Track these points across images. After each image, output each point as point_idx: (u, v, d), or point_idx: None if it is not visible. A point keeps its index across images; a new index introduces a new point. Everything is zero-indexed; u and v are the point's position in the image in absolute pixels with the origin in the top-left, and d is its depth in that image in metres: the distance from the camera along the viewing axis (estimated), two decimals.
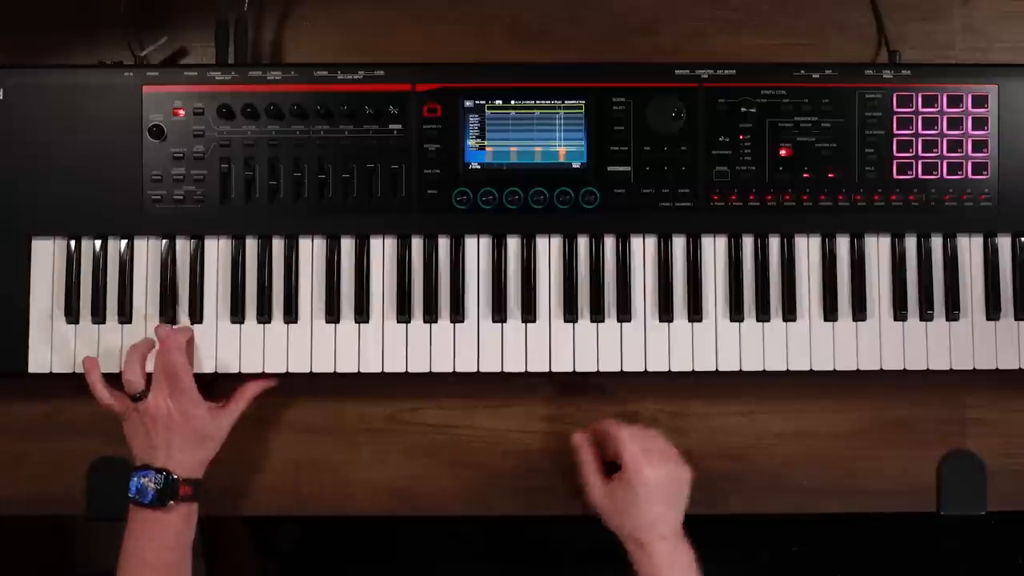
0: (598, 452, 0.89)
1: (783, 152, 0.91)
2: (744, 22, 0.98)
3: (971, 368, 0.90)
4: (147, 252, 0.91)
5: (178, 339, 0.87)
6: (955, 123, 0.91)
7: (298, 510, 0.96)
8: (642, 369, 0.90)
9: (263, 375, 0.90)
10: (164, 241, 0.91)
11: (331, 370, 0.90)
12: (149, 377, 0.86)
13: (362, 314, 0.90)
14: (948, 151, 0.91)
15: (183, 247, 0.91)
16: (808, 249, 0.92)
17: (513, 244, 0.91)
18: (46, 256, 0.91)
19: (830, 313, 0.90)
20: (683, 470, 0.86)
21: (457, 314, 0.91)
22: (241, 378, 0.91)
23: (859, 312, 0.90)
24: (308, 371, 0.90)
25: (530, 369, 0.90)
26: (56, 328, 0.90)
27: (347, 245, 0.91)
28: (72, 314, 0.90)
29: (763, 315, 0.90)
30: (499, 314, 0.91)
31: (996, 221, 0.91)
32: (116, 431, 0.94)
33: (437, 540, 1.11)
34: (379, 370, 0.90)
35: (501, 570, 1.11)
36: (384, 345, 0.90)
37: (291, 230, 0.91)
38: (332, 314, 0.90)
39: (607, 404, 0.95)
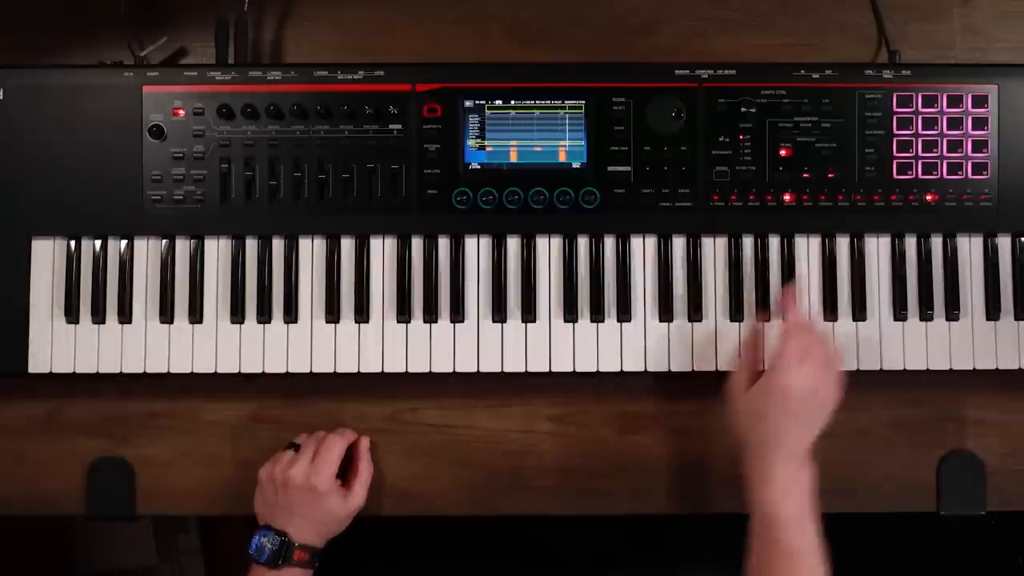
0: (760, 354, 0.86)
1: (783, 152, 0.91)
2: (744, 22, 0.98)
3: (971, 368, 0.90)
4: (147, 252, 0.91)
5: (350, 438, 0.92)
6: (955, 123, 0.91)
7: None
8: (642, 369, 0.90)
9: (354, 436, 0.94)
10: (164, 241, 0.91)
11: (331, 370, 0.90)
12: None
13: (362, 314, 0.90)
14: (948, 151, 0.91)
15: (183, 247, 0.91)
16: (808, 249, 0.92)
17: (513, 244, 0.91)
18: (46, 256, 0.91)
19: (830, 313, 0.90)
20: (833, 387, 0.82)
21: (457, 314, 0.91)
22: (241, 378, 0.91)
23: (859, 312, 0.90)
24: (308, 371, 0.90)
25: (530, 369, 0.90)
26: (56, 328, 0.90)
27: (347, 245, 0.91)
28: (72, 314, 0.90)
29: (763, 315, 0.90)
30: (499, 314, 0.91)
31: (996, 221, 0.91)
32: (116, 431, 0.95)
33: (437, 540, 1.11)
34: (379, 370, 0.90)
35: (501, 570, 1.11)
36: (384, 345, 0.90)
37: (291, 230, 0.91)
38: (332, 314, 0.90)
39: (607, 404, 0.95)
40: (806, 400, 0.81)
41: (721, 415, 0.95)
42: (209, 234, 0.91)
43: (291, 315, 0.90)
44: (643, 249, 0.91)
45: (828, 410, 0.82)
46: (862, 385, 0.93)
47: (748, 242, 0.92)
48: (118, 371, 0.90)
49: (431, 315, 0.90)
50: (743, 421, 0.83)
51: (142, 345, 0.90)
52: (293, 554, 0.87)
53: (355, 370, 0.90)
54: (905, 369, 0.90)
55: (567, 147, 0.90)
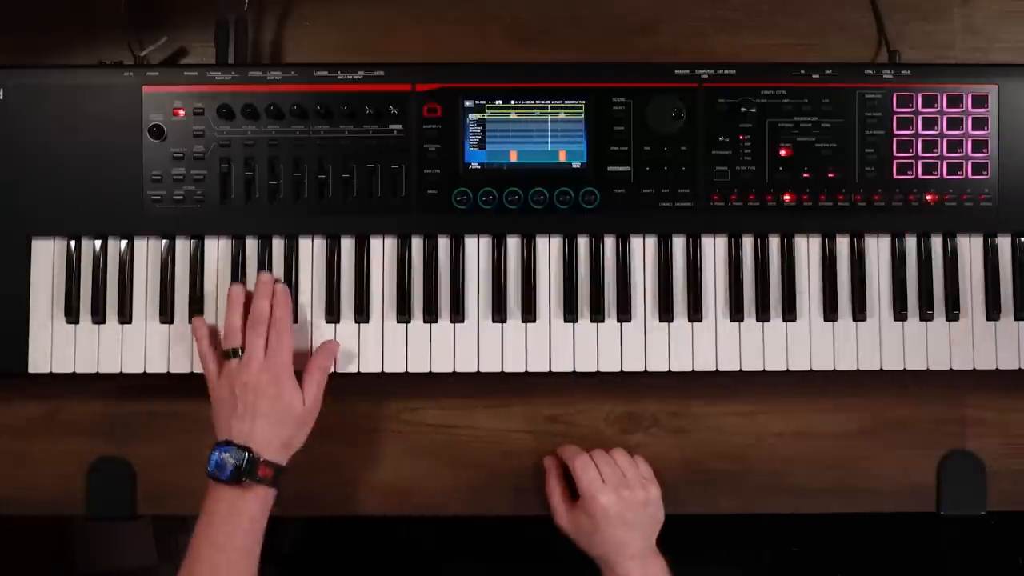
0: (563, 477, 0.91)
1: (783, 152, 0.91)
2: (744, 22, 0.98)
3: (971, 368, 0.90)
4: (147, 252, 0.91)
5: (287, 298, 0.86)
6: (955, 123, 0.91)
7: (298, 510, 0.96)
8: (642, 369, 0.90)
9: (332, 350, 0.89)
10: (164, 241, 0.91)
11: (331, 370, 0.90)
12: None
13: (362, 314, 0.90)
14: (948, 151, 0.91)
15: (183, 247, 0.91)
16: (808, 249, 0.92)
17: (513, 244, 0.91)
18: (46, 256, 0.91)
19: (830, 313, 0.90)
20: (641, 492, 0.87)
21: (457, 314, 0.91)
22: None
23: (859, 312, 0.90)
24: None
25: (530, 369, 0.90)
26: (56, 328, 0.90)
27: (347, 245, 0.91)
28: (72, 314, 0.90)
29: (763, 315, 0.90)
30: (499, 314, 0.91)
31: (996, 221, 0.91)
32: (116, 431, 0.95)
33: (437, 540, 1.11)
34: (379, 370, 0.90)
35: (501, 570, 1.11)
36: (384, 345, 0.90)
37: (291, 230, 0.91)
38: (332, 314, 0.90)
39: (607, 404, 0.95)
40: (623, 512, 0.86)
41: (719, 416, 0.95)
42: (209, 234, 0.91)
43: (290, 315, 0.90)
44: (643, 249, 0.91)
45: (652, 510, 0.88)
46: (862, 385, 0.93)
47: (748, 242, 0.91)
48: (118, 371, 0.90)
49: (431, 315, 0.90)
50: (581, 539, 0.88)
51: (142, 345, 0.90)
52: (258, 469, 0.81)
53: (355, 370, 0.90)
54: (905, 369, 0.90)
55: (567, 147, 0.90)
